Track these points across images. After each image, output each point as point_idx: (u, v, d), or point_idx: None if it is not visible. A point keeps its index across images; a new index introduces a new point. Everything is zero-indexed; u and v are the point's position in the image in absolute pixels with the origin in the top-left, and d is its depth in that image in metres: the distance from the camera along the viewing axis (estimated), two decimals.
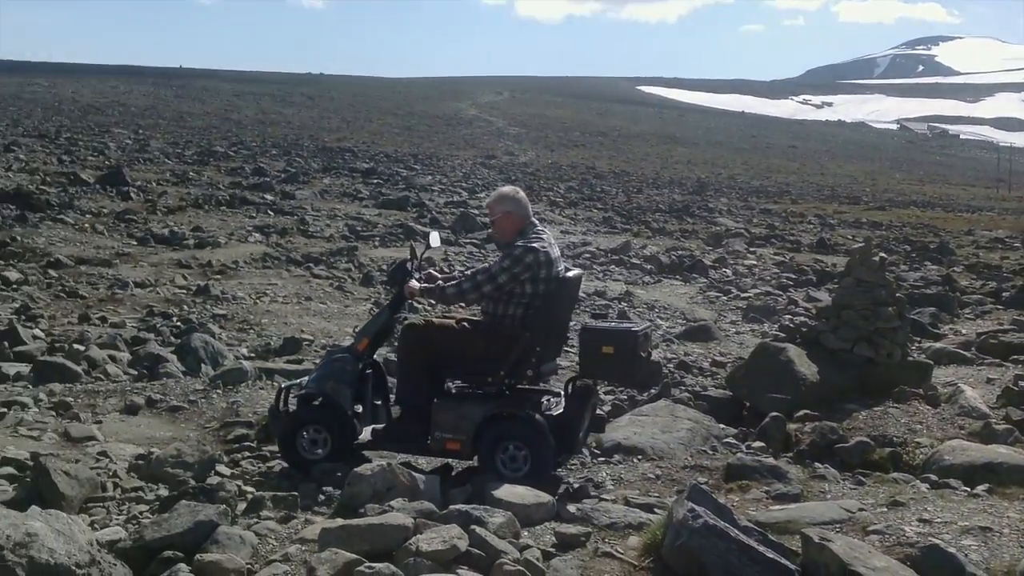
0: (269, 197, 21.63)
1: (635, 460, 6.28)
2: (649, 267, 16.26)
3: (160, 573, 4.13)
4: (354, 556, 3.96)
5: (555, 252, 5.94)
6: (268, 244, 15.85)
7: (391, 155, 37.88)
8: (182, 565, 4.14)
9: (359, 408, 6.14)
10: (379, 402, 6.38)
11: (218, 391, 7.67)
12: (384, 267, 14.23)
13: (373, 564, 3.87)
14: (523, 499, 4.90)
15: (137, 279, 12.16)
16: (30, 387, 7.55)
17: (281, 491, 5.40)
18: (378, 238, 17.48)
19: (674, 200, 29.14)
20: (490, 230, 6.41)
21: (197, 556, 4.23)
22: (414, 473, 5.06)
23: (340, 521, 4.40)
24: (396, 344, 6.30)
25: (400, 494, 4.84)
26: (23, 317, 9.74)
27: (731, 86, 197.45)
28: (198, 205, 19.69)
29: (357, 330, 7.49)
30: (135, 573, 4.18)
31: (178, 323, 9.97)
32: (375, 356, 6.42)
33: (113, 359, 8.44)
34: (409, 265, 6.42)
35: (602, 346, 5.75)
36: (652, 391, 8.29)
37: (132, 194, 19.95)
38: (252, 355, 9.14)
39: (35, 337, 8.97)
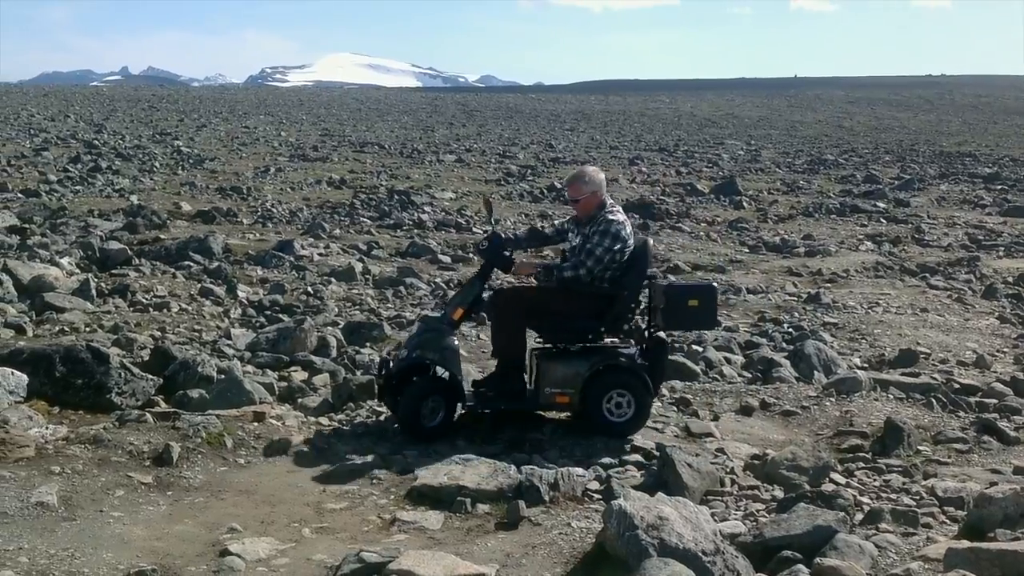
0: (881, 205, 21.08)
1: None
2: None
3: (779, 571, 4.18)
4: None
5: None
6: (880, 253, 15.37)
7: (1018, 159, 34.62)
8: (801, 566, 4.15)
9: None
10: None
11: (831, 399, 7.57)
12: (1009, 279, 13.04)
13: None
14: None
15: (749, 285, 12.52)
16: None
17: (900, 506, 5.18)
18: (1003, 248, 16.00)
19: None
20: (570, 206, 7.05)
21: (816, 559, 4.21)
22: None
23: (967, 543, 4.11)
24: (491, 307, 6.83)
25: None
26: None
27: None
28: (808, 213, 19.90)
29: (448, 300, 8.01)
30: (754, 568, 4.28)
31: (789, 329, 10.02)
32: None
33: (728, 361, 8.72)
34: (506, 239, 6.78)
35: (689, 300, 6.57)
36: None
37: (744, 203, 20.77)
38: (865, 365, 8.89)
39: None
